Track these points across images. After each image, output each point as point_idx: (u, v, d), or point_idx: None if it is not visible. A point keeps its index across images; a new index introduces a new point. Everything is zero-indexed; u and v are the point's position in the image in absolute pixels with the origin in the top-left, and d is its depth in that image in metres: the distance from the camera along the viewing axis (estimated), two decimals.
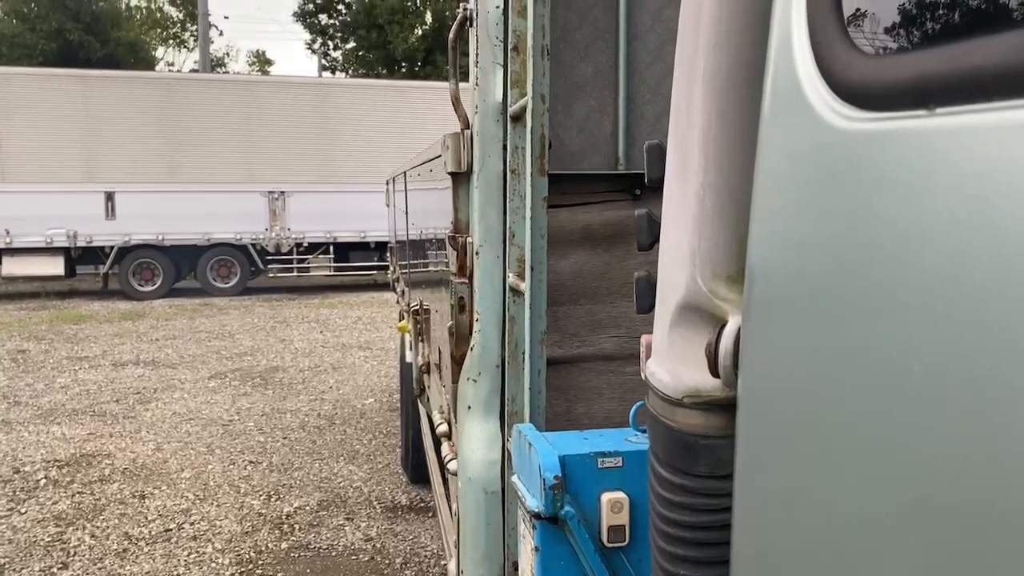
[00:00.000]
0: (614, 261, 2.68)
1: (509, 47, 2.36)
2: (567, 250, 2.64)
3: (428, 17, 32.21)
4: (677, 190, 1.09)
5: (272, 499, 5.97)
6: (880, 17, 0.77)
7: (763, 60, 0.94)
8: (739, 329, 0.99)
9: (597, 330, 2.68)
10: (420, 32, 31.92)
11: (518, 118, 2.35)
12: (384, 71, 31.85)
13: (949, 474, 0.66)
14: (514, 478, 1.97)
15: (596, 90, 2.66)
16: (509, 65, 2.35)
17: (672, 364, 1.09)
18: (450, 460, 2.84)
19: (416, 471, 5.97)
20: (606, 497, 1.77)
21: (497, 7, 2.43)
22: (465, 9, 2.50)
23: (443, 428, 3.23)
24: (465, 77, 2.54)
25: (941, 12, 0.70)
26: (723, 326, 1.02)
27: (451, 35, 2.57)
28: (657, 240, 1.84)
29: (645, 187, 2.81)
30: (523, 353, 2.41)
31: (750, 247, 0.96)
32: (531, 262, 2.12)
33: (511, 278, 2.38)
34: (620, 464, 1.80)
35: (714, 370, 1.01)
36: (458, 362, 2.63)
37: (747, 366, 0.96)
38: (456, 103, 2.56)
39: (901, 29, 0.75)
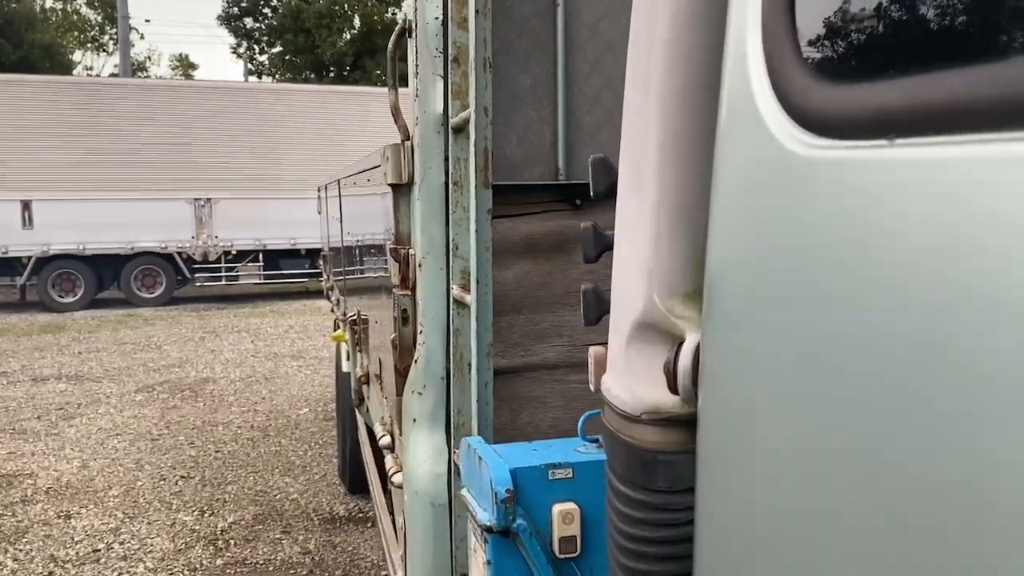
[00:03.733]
0: (556, 271, 2.70)
1: (449, 58, 2.35)
2: (509, 260, 2.64)
3: (356, 22, 31.94)
4: (630, 206, 1.10)
5: (206, 514, 5.83)
6: (837, 43, 0.79)
7: (718, 79, 0.96)
8: (697, 346, 1.01)
9: (540, 339, 2.69)
10: (348, 36, 31.63)
11: (460, 130, 2.35)
12: (312, 76, 31.46)
13: (909, 486, 0.68)
14: (463, 491, 1.97)
15: (535, 101, 2.67)
16: (449, 76, 2.35)
17: (629, 381, 1.10)
18: (394, 473, 2.82)
19: (354, 482, 5.90)
20: (557, 508, 1.77)
21: (436, 18, 2.43)
22: (405, 20, 2.48)
23: (386, 440, 3.20)
24: (406, 84, 2.53)
25: (902, 39, 0.72)
26: (681, 343, 1.03)
27: (390, 45, 2.55)
28: (603, 253, 1.86)
29: (586, 197, 2.84)
30: (469, 365, 2.41)
31: (707, 265, 0.98)
32: (476, 275, 2.12)
33: (455, 290, 2.37)
34: (570, 475, 1.81)
35: (673, 387, 1.03)
36: (402, 374, 2.61)
37: (706, 383, 0.98)
38: (396, 114, 2.55)
39: (858, 56, 0.78)
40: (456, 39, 2.33)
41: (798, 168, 0.80)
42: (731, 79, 0.92)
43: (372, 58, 30.30)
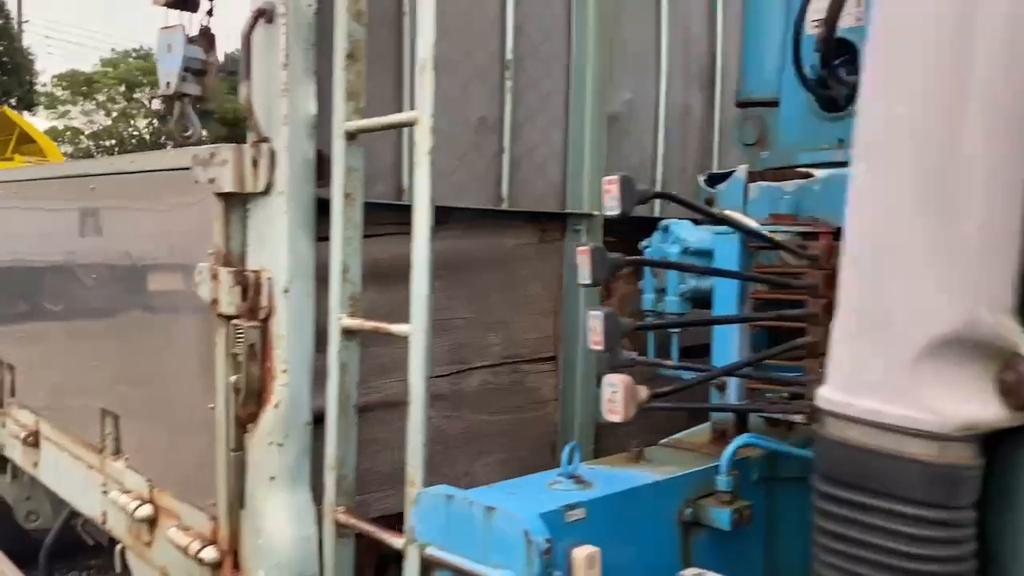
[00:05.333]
0: (402, 299, 2.47)
1: (344, 54, 2.04)
2: None
3: None
4: (926, 226, 1.09)
5: None
6: None
7: None
8: None
9: (383, 374, 2.42)
10: None
11: (354, 136, 2.05)
12: None
13: None
14: (436, 551, 1.69)
15: (380, 113, 2.44)
16: (345, 75, 2.04)
17: (934, 399, 1.09)
18: (202, 549, 2.28)
19: None
20: (579, 552, 1.62)
21: (309, 5, 2.09)
22: (264, 3, 2.08)
23: (145, 511, 2.57)
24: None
25: None
26: (1016, 356, 1.05)
27: (245, 27, 2.11)
28: (612, 275, 1.78)
29: (440, 220, 2.63)
30: (355, 406, 2.09)
31: None
32: (424, 305, 1.86)
33: (345, 320, 2.04)
34: (584, 516, 1.67)
35: (1017, 401, 1.04)
36: (244, 423, 2.15)
37: None
38: (249, 111, 2.11)
39: None
40: (353, 32, 2.04)
41: None
42: None
43: None
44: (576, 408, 2.90)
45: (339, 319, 2.05)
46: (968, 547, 1.11)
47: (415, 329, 1.87)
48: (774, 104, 2.74)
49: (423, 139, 1.81)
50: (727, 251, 2.16)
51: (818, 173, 2.49)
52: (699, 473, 1.89)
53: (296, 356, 2.10)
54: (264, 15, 2.09)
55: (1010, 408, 1.06)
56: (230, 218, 2.21)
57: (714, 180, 2.95)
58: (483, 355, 2.69)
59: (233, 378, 2.14)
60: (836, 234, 2.22)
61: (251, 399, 2.13)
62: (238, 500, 2.20)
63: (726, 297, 2.13)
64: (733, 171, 2.68)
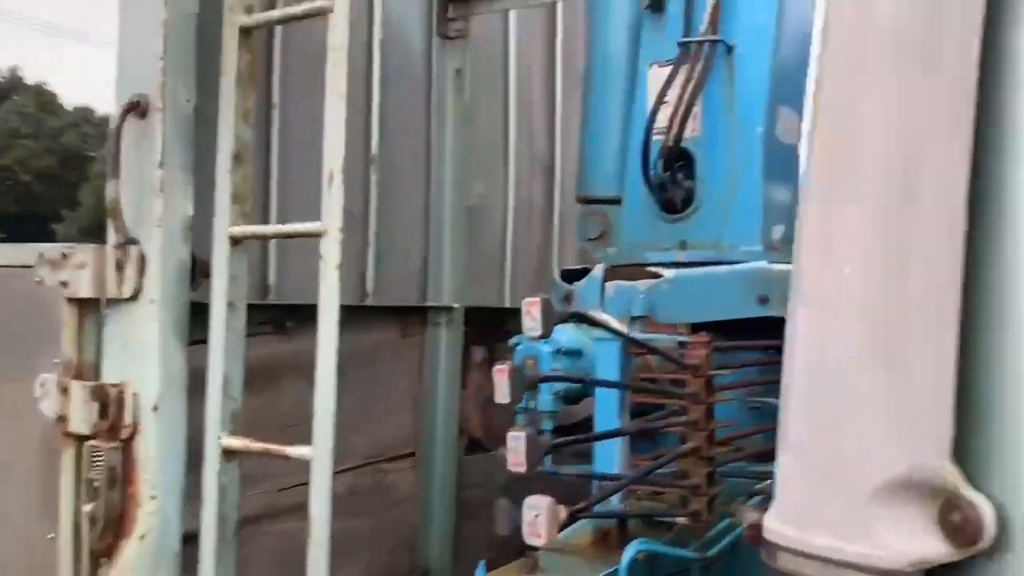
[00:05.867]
0: (264, 404, 2.32)
1: (231, 155, 1.92)
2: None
3: None
4: (872, 375, 1.19)
5: None
6: None
7: None
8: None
9: (245, 487, 2.26)
10: None
11: (239, 242, 1.93)
12: None
13: None
14: None
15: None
16: (231, 177, 1.92)
17: (887, 538, 1.18)
18: None
19: None
20: None
21: (188, 100, 1.96)
22: (136, 96, 1.91)
23: None
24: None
25: None
26: (957, 497, 1.17)
27: (116, 120, 1.92)
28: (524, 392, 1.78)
29: (297, 319, 2.50)
30: (234, 533, 1.93)
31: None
32: (330, 424, 1.75)
33: (226, 440, 1.89)
34: None
35: (962, 540, 1.15)
36: (99, 557, 1.92)
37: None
38: (116, 210, 1.92)
39: None
40: (241, 135, 1.93)
41: None
42: None
43: None
44: (434, 505, 2.85)
45: (219, 439, 1.89)
46: None
47: (319, 452, 1.76)
48: (615, 202, 2.89)
49: (331, 252, 1.74)
50: (607, 356, 2.23)
51: (666, 273, 2.66)
52: None
53: (166, 480, 1.91)
54: (136, 108, 1.93)
55: (954, 546, 1.17)
56: (84, 325, 1.99)
57: (569, 276, 3.05)
58: (347, 458, 2.58)
59: (88, 507, 1.91)
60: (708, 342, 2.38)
61: (109, 529, 1.91)
62: None
63: (607, 403, 2.19)
64: (587, 268, 2.80)
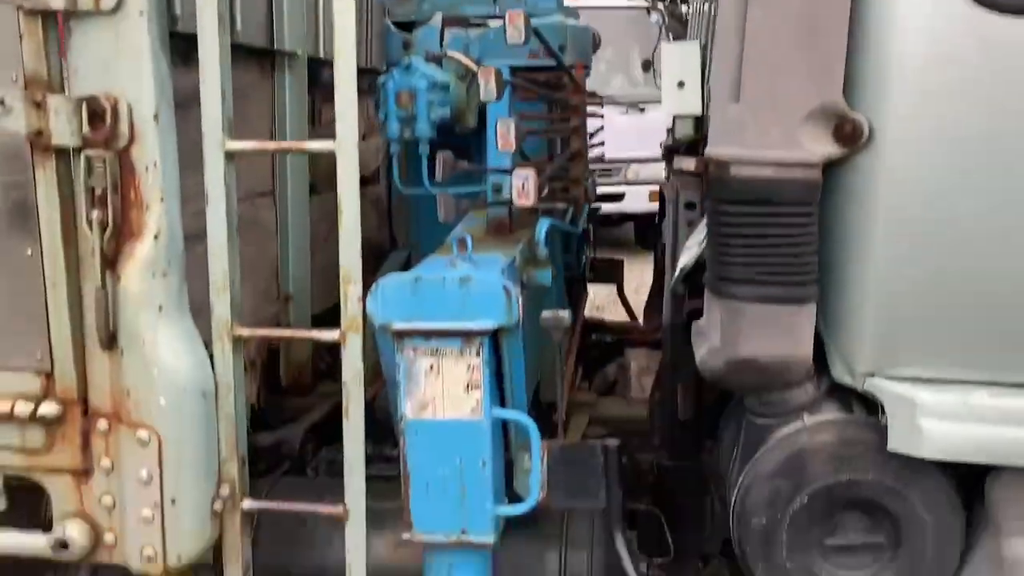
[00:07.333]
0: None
1: None
2: None
3: None
4: (798, 43, 1.92)
5: None
6: None
7: None
8: None
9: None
10: None
11: None
12: None
13: None
14: (406, 324, 2.03)
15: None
16: None
17: (809, 145, 1.94)
18: (38, 406, 2.10)
19: None
20: None
21: None
22: None
23: None
24: None
25: None
26: (846, 116, 1.96)
27: None
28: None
29: None
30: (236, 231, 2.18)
31: None
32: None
33: (228, 143, 2.09)
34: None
35: (846, 141, 1.95)
36: (111, 259, 2.05)
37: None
38: None
39: None
40: None
41: None
42: None
43: None
44: (289, 239, 3.16)
45: (223, 143, 2.09)
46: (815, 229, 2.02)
47: (343, 139, 2.08)
48: None
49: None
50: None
51: (492, 24, 3.21)
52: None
53: (171, 183, 2.07)
54: None
55: (840, 145, 1.97)
56: (48, 39, 1.99)
57: (403, 27, 3.42)
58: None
59: (96, 213, 2.01)
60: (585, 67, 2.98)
61: (113, 235, 2.05)
62: (83, 342, 2.10)
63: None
64: (423, 21, 3.24)
